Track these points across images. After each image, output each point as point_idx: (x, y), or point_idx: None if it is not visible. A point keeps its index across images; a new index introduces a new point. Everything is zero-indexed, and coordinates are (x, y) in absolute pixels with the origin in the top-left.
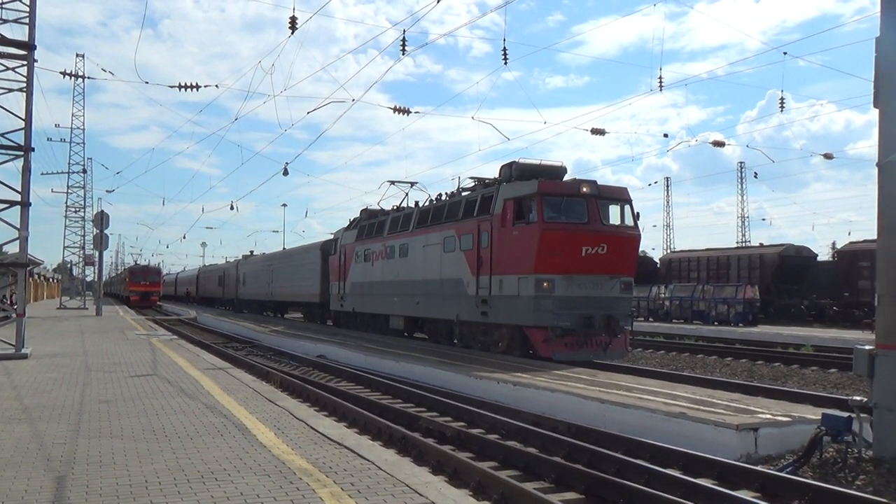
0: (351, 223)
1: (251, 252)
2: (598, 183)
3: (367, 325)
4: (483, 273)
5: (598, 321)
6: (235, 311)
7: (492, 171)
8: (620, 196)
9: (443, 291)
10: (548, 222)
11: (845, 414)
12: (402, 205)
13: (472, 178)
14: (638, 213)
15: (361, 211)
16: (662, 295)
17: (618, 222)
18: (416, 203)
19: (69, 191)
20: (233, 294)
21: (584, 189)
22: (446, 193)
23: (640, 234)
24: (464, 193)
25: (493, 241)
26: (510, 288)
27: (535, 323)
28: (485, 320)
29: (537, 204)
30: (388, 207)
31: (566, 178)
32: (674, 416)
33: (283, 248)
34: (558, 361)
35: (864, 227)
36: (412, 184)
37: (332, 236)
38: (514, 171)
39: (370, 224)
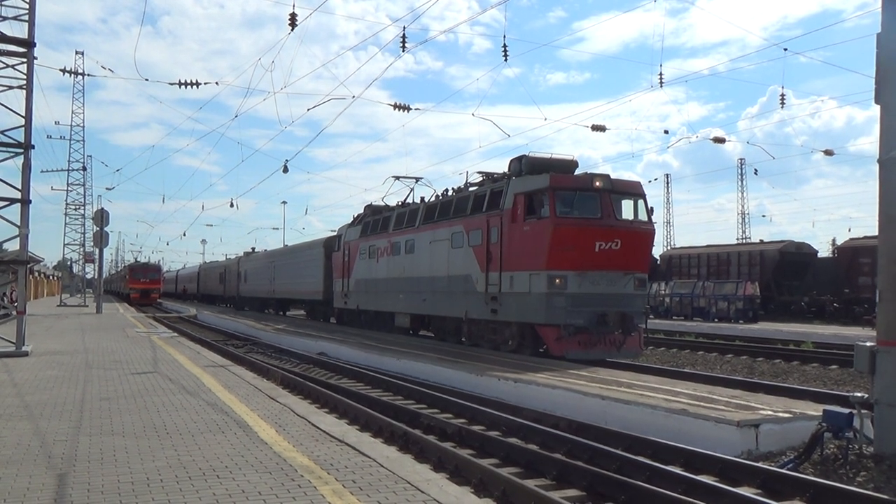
0: (355, 219)
1: (253, 249)
2: (611, 177)
3: (371, 322)
4: (493, 269)
5: (611, 319)
6: (237, 308)
7: (492, 168)
8: (634, 190)
9: (450, 288)
10: (560, 217)
11: (846, 410)
12: (408, 200)
13: (480, 172)
14: (652, 208)
15: (365, 207)
16: (663, 292)
17: (631, 217)
18: (422, 199)
19: (69, 188)
20: (234, 291)
21: (597, 183)
22: (453, 188)
23: (654, 230)
24: (471, 188)
25: (503, 236)
26: (521, 284)
27: (548, 321)
28: (494, 318)
29: (549, 198)
30: (391, 203)
31: (577, 172)
32: (675, 412)
33: (285, 245)
34: (571, 360)
35: (864, 223)
36: (417, 179)
37: (332, 233)
38: (525, 166)
39: (375, 220)
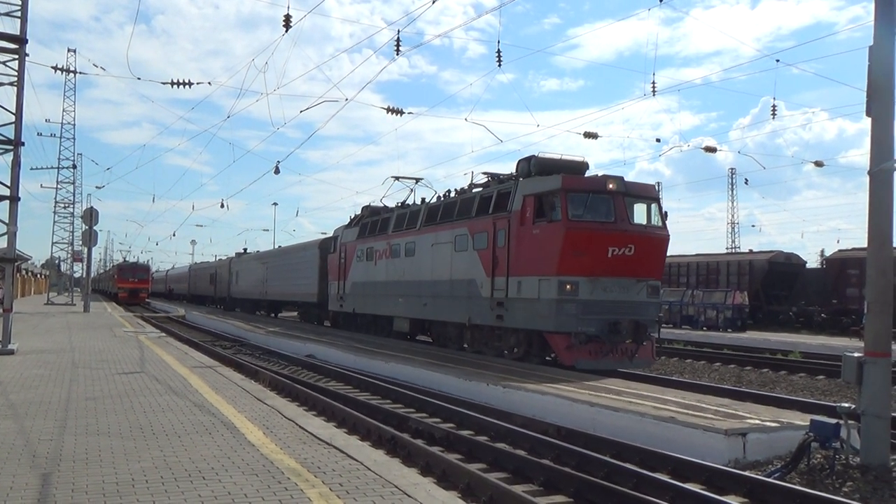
0: (352, 220)
1: (244, 250)
2: (625, 179)
3: (368, 326)
4: (499, 274)
5: (624, 327)
6: (227, 309)
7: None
8: (648, 193)
9: (453, 293)
10: (572, 220)
11: (833, 420)
12: (408, 201)
13: (485, 173)
14: (666, 213)
15: (363, 208)
16: None
17: (645, 222)
18: (423, 199)
19: (58, 186)
20: (225, 292)
21: (611, 185)
22: (456, 190)
23: (668, 235)
24: (475, 190)
25: (511, 239)
26: (529, 290)
27: (558, 328)
28: (500, 324)
29: (561, 200)
30: (387, 205)
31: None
32: (663, 420)
33: (279, 247)
34: (581, 370)
35: (852, 235)
36: (417, 180)
37: (323, 235)
38: (534, 167)
39: (373, 221)
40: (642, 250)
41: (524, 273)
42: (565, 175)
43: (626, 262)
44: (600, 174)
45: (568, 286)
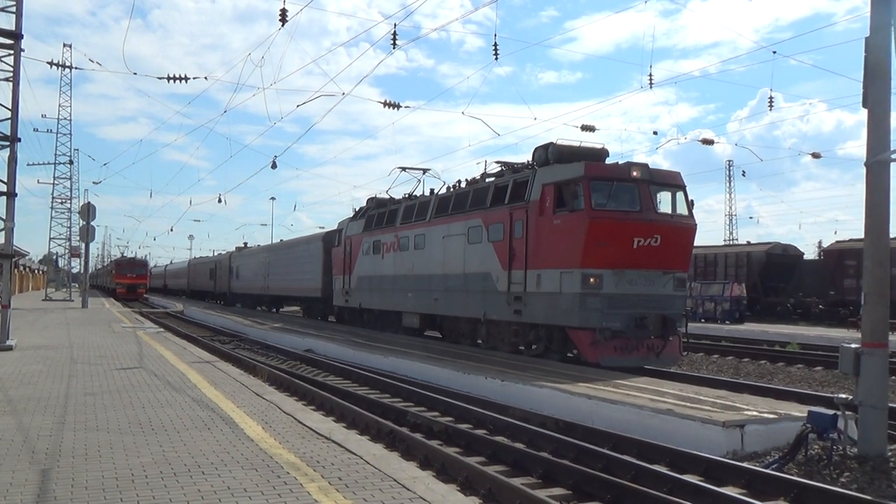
0: (357, 213)
1: (245, 244)
2: (649, 167)
3: (375, 322)
4: (516, 267)
5: (651, 322)
6: (227, 305)
7: (479, 167)
8: (674, 181)
9: (467, 287)
10: (596, 210)
11: (831, 411)
12: (415, 193)
13: (498, 162)
14: (692, 201)
15: (368, 199)
16: None
17: (670, 211)
18: (432, 190)
19: (55, 182)
20: (225, 287)
21: (635, 173)
22: (466, 180)
23: (696, 224)
24: (488, 180)
25: (529, 231)
26: (550, 283)
27: (581, 324)
28: (517, 319)
29: (584, 189)
30: (392, 196)
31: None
32: (661, 412)
33: (281, 240)
34: (606, 368)
35: (850, 226)
36: (425, 170)
37: (321, 229)
38: (552, 154)
39: (380, 213)
40: (669, 241)
41: (544, 266)
42: (588, 162)
43: (653, 254)
44: (621, 163)
45: (592, 279)
